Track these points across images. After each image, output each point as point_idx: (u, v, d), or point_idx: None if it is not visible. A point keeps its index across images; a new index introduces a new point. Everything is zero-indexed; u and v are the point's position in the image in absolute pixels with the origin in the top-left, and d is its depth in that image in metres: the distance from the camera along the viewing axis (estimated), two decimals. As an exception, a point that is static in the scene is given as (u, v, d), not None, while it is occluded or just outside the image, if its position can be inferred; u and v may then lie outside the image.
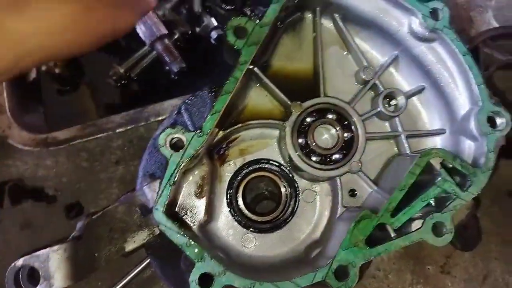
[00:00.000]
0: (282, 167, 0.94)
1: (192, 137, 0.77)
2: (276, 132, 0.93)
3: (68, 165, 1.14)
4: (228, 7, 0.87)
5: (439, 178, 0.78)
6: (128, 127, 1.07)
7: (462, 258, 1.17)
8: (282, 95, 0.89)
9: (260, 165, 0.95)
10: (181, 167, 0.76)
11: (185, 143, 0.78)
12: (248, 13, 0.85)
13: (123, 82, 1.26)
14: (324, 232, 0.90)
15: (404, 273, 1.14)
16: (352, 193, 0.90)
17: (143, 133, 1.16)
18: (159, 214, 0.74)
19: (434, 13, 0.82)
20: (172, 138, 0.78)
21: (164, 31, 1.23)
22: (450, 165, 0.78)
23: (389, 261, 1.14)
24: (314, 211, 0.93)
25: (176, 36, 1.30)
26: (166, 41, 1.25)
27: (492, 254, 1.19)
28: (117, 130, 1.06)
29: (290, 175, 0.94)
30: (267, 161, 0.95)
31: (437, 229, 0.77)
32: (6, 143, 1.06)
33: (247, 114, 0.92)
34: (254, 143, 0.95)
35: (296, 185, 0.94)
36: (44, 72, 1.19)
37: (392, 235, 0.78)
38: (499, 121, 0.82)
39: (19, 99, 1.11)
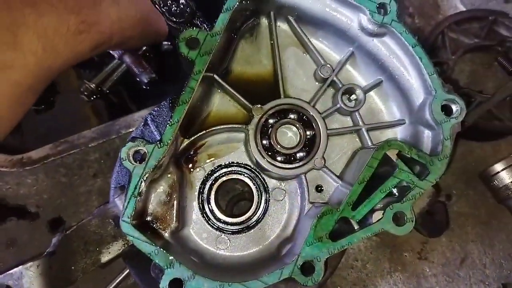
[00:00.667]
0: (250, 168, 0.96)
1: (153, 149, 0.79)
2: (242, 135, 0.95)
3: (48, 181, 1.17)
4: (177, 20, 0.89)
5: (397, 169, 0.80)
6: (100, 141, 1.09)
7: (439, 243, 1.19)
8: (243, 100, 0.91)
9: (229, 169, 0.98)
10: (145, 178, 0.79)
11: (147, 154, 0.80)
12: (199, 23, 0.87)
13: (95, 96, 1.28)
14: (294, 229, 0.93)
15: (382, 261, 1.16)
16: (319, 189, 0.92)
17: (119, 145, 1.19)
18: (125, 225, 0.77)
19: (381, 8, 0.84)
20: (135, 151, 0.80)
21: (132, 43, 1.25)
22: (408, 156, 0.80)
23: (366, 251, 1.17)
24: (284, 209, 0.95)
25: (144, 48, 1.32)
26: (134, 53, 1.26)
27: (469, 236, 1.22)
28: (90, 145, 1.08)
29: (259, 176, 0.96)
30: (236, 163, 0.97)
31: (398, 219, 0.79)
32: (-16, 166, 1.09)
33: (212, 120, 0.95)
34: (221, 148, 0.97)
35: (265, 185, 0.96)
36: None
37: (356, 228, 0.81)
38: (454, 108, 0.84)
39: None
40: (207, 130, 0.92)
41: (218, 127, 0.92)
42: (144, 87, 1.28)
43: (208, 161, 0.97)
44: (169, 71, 1.33)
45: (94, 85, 1.27)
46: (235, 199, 1.04)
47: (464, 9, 1.47)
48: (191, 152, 0.96)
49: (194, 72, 0.81)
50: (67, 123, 1.27)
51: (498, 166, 1.19)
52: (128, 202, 0.77)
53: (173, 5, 0.85)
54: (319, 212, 0.81)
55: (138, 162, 0.80)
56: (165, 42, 1.34)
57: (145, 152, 0.80)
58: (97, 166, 1.20)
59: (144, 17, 0.81)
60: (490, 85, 1.32)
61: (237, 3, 0.83)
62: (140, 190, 0.78)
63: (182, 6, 0.86)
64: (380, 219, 0.79)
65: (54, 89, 1.28)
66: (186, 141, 0.91)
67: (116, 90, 1.31)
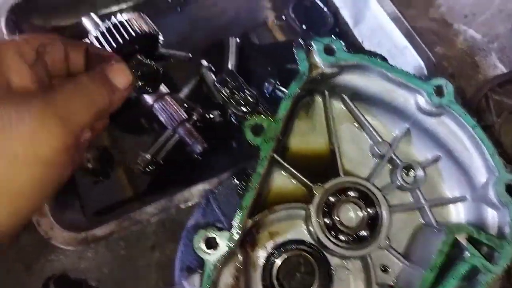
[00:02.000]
0: (312, 246, 0.96)
1: (226, 235, 0.81)
2: (302, 212, 0.96)
3: (108, 255, 1.19)
4: (243, 109, 0.93)
5: (467, 253, 0.79)
6: (161, 216, 1.11)
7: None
8: (303, 178, 0.93)
9: (291, 246, 0.97)
10: (218, 265, 0.80)
11: (218, 242, 0.81)
12: (262, 110, 0.90)
13: (150, 167, 1.32)
14: (361, 310, 0.91)
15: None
16: (385, 269, 0.91)
17: (174, 215, 1.21)
18: (201, 317, 0.77)
19: (438, 90, 0.86)
20: (207, 239, 0.81)
21: (184, 116, 1.30)
22: (476, 238, 0.79)
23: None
24: None
25: (195, 118, 1.37)
26: (187, 124, 1.31)
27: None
28: (151, 220, 1.11)
29: (321, 254, 0.96)
30: (298, 241, 0.97)
31: None
32: (50, 244, 1.12)
33: (272, 198, 0.96)
34: (282, 225, 0.97)
35: (328, 263, 0.95)
36: (78, 168, 1.25)
37: None
38: (520, 189, 0.83)
39: (57, 198, 1.18)
40: (269, 210, 0.93)
41: (280, 206, 0.93)
42: (196, 156, 1.32)
43: (269, 239, 0.97)
44: (220, 142, 1.37)
45: (149, 156, 1.31)
46: (296, 275, 1.03)
47: (503, 67, 1.49)
48: (253, 231, 0.97)
49: (261, 158, 0.83)
50: (124, 194, 1.31)
51: None
52: None
53: (239, 96, 0.89)
54: None
55: (210, 249, 0.81)
56: (216, 112, 1.39)
57: (216, 238, 0.81)
58: (154, 238, 1.22)
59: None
60: (540, 146, 1.32)
61: (298, 90, 0.86)
62: (213, 279, 0.79)
63: (247, 96, 0.89)
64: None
65: (112, 161, 1.33)
66: (250, 222, 0.92)
67: (169, 160, 1.35)
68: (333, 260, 0.95)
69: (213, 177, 1.21)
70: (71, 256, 1.19)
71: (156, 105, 1.28)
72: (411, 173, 0.94)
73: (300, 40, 0.89)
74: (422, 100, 0.87)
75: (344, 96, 0.97)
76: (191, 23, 1.65)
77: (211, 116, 1.40)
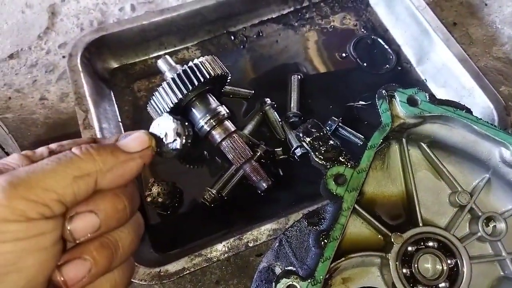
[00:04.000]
0: None
1: (307, 286, 0.81)
2: (377, 260, 0.95)
3: (175, 288, 1.22)
4: (326, 158, 0.94)
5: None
6: (230, 254, 1.13)
7: None
8: (380, 226, 0.93)
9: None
10: None
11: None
12: (345, 161, 0.91)
13: (216, 203, 1.35)
14: None
15: None
16: None
17: (240, 251, 1.22)
18: None
19: (526, 144, 0.84)
20: (288, 286, 0.82)
21: (250, 153, 1.33)
22: None
23: None
24: None
25: (259, 154, 1.39)
26: (253, 162, 1.34)
27: None
28: (221, 258, 1.13)
29: None
30: None
31: None
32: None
33: (347, 244, 0.97)
34: (356, 272, 0.98)
35: None
36: (149, 202, 1.30)
37: None
38: None
39: None
40: (345, 258, 0.93)
41: (356, 254, 0.93)
42: (261, 193, 1.35)
43: (342, 285, 0.97)
44: (283, 179, 1.38)
45: (215, 191, 1.34)
46: None
47: None
48: (326, 276, 0.96)
49: (344, 209, 0.84)
50: (190, 228, 1.34)
51: None
52: None
53: (322, 146, 0.90)
54: None
55: (292, 298, 0.81)
56: (279, 149, 1.41)
57: (295, 287, 0.82)
58: (219, 272, 1.24)
59: None
60: None
61: (381, 140, 0.87)
62: None
63: (330, 146, 0.91)
64: None
65: (181, 194, 1.37)
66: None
67: (233, 195, 1.38)
68: None
69: (278, 215, 1.23)
70: None
71: (224, 143, 1.32)
72: (491, 223, 0.92)
73: (383, 91, 0.90)
74: (508, 154, 0.86)
75: (422, 144, 0.97)
76: (253, 60, 1.68)
77: (275, 152, 1.43)
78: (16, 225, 0.53)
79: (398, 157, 1.00)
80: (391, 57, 1.65)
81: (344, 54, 1.68)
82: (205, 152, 1.50)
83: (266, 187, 1.32)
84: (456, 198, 0.93)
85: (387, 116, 0.89)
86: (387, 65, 1.63)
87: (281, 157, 1.41)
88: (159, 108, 1.29)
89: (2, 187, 0.53)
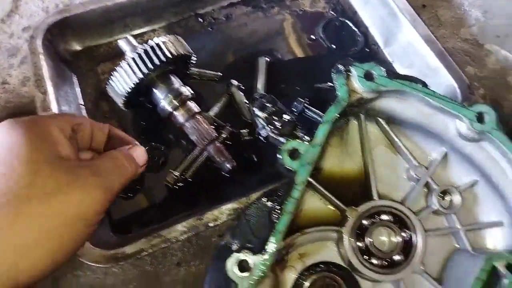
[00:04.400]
0: (343, 269, 0.95)
1: (259, 259, 0.81)
2: (334, 234, 0.95)
3: (134, 271, 1.20)
4: (281, 134, 0.93)
5: (505, 281, 0.76)
6: (189, 234, 1.12)
7: None
8: (336, 201, 0.92)
9: (321, 268, 0.97)
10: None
11: (251, 265, 0.81)
12: (300, 135, 0.90)
13: (179, 184, 1.33)
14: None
15: None
16: None
17: (201, 231, 1.20)
18: None
19: (480, 117, 0.84)
20: (240, 262, 0.81)
21: (214, 134, 1.31)
22: (515, 265, 0.77)
23: None
24: None
25: (224, 136, 1.37)
26: (217, 143, 1.32)
27: None
28: (180, 238, 1.11)
29: (353, 277, 0.94)
30: (328, 263, 0.96)
31: None
32: (78, 260, 1.13)
33: (304, 220, 0.96)
34: (312, 247, 0.98)
35: (359, 287, 0.94)
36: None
37: None
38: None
39: None
40: (301, 232, 0.92)
41: (312, 229, 0.92)
42: (225, 174, 1.33)
43: (298, 260, 0.97)
44: (248, 160, 1.37)
45: (178, 173, 1.31)
46: None
47: (538, 88, 1.45)
48: (283, 252, 0.96)
49: (297, 183, 0.83)
50: (152, 211, 1.32)
51: None
52: None
53: (277, 121, 0.89)
54: None
55: (243, 272, 0.80)
56: (244, 131, 1.40)
57: (249, 262, 0.81)
58: (180, 254, 1.22)
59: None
60: None
61: (337, 115, 0.86)
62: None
63: (286, 121, 0.90)
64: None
65: (141, 179, 1.34)
66: (282, 243, 0.91)
67: (197, 177, 1.35)
68: (364, 284, 0.94)
69: (242, 196, 1.21)
70: (98, 272, 1.20)
71: (187, 124, 1.29)
72: (447, 197, 0.92)
73: (339, 66, 0.89)
74: (463, 126, 0.86)
75: (379, 119, 0.97)
76: (221, 42, 1.65)
77: (240, 134, 1.41)
78: None
79: (356, 133, 0.99)
80: (359, 39, 1.64)
81: (313, 37, 1.66)
82: (171, 136, 1.47)
83: (230, 168, 1.30)
84: (412, 173, 0.92)
85: (343, 91, 0.89)
86: (355, 47, 1.63)
87: (246, 138, 1.39)
88: (119, 89, 1.26)
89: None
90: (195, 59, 1.41)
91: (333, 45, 1.63)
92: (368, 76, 0.88)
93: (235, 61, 1.62)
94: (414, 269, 0.87)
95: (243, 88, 1.49)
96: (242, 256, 0.82)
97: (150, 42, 1.23)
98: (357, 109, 0.96)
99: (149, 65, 1.19)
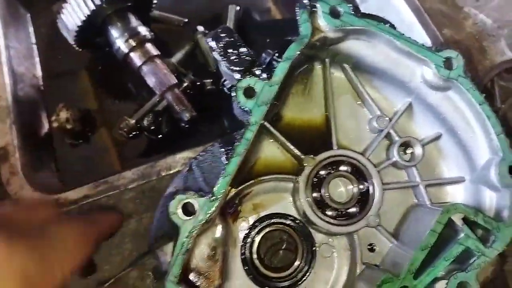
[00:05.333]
0: (297, 221, 0.91)
1: (205, 202, 0.75)
2: (290, 185, 0.91)
3: (81, 221, 1.13)
4: (236, 69, 0.86)
5: (462, 235, 0.74)
6: (140, 183, 1.06)
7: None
8: (294, 149, 0.87)
9: (275, 220, 0.94)
10: (194, 234, 0.74)
11: (196, 208, 0.75)
12: (258, 72, 0.84)
13: (134, 133, 1.26)
14: (344, 290, 0.86)
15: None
16: (372, 248, 0.88)
17: (154, 184, 1.15)
18: (171, 286, 0.72)
19: (447, 63, 0.80)
20: (184, 204, 0.76)
21: (174, 80, 1.24)
22: (472, 219, 0.74)
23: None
24: (332, 267, 0.91)
25: (185, 84, 1.30)
26: (176, 90, 1.25)
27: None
28: (129, 186, 1.05)
29: (306, 229, 0.91)
30: (282, 215, 0.92)
31: None
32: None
33: (260, 168, 0.91)
34: (267, 197, 0.93)
35: (312, 239, 0.91)
36: (56, 128, 1.19)
37: None
38: (522, 171, 0.78)
39: (31, 157, 1.12)
40: (255, 180, 0.87)
41: (267, 177, 0.87)
42: (184, 125, 1.26)
43: (252, 211, 0.93)
44: (210, 111, 1.30)
45: (133, 121, 1.25)
46: (276, 249, 0.98)
47: (511, 54, 1.42)
48: (236, 201, 0.92)
49: (251, 123, 0.77)
50: (104, 160, 1.25)
51: None
52: (175, 260, 0.73)
53: (233, 55, 0.82)
54: (375, 275, 0.75)
55: (187, 216, 0.75)
56: (208, 81, 1.33)
57: (194, 205, 0.76)
58: (132, 206, 1.16)
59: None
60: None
61: (298, 53, 0.80)
62: (188, 247, 0.73)
63: (242, 55, 0.83)
64: (445, 290, 0.73)
65: (94, 123, 1.26)
66: (233, 191, 0.87)
67: (155, 127, 1.29)
68: (318, 237, 0.92)
69: (199, 146, 1.15)
70: None
71: (144, 67, 1.22)
72: (409, 150, 0.89)
73: (305, 1, 0.82)
74: (429, 72, 0.82)
75: (345, 65, 0.92)
76: None
77: (204, 84, 1.33)
78: None
79: (320, 80, 0.94)
80: (336, -6, 1.57)
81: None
82: (130, 85, 1.39)
83: (189, 117, 1.24)
84: (375, 123, 0.88)
85: (306, 27, 0.82)
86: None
87: (209, 87, 1.32)
88: (70, 24, 1.16)
89: None
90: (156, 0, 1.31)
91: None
92: (334, 13, 0.82)
93: (204, 8, 1.54)
94: (369, 222, 0.85)
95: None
96: (187, 198, 0.77)
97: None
98: (322, 53, 0.90)
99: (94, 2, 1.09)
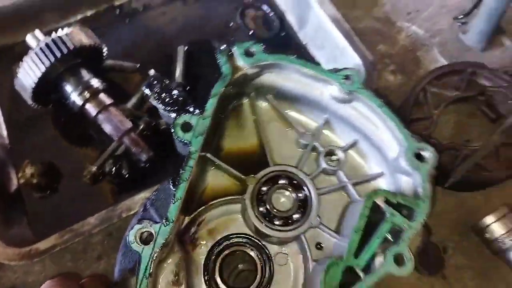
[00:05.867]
0: (251, 237, 1.09)
1: (160, 228, 0.94)
2: (239, 206, 1.11)
3: (55, 267, 1.30)
4: (172, 109, 1.11)
5: (388, 215, 0.95)
6: (103, 226, 1.24)
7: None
8: (236, 172, 1.08)
9: (230, 241, 1.10)
10: (154, 258, 0.92)
11: (153, 234, 0.94)
12: (191, 109, 1.07)
13: (98, 179, 1.46)
14: (304, 291, 1.02)
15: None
16: (319, 246, 1.07)
17: (121, 224, 1.34)
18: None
19: (347, 79, 1.04)
20: (142, 233, 0.94)
21: (129, 125, 1.44)
22: (394, 201, 0.96)
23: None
24: (289, 273, 1.08)
25: (141, 127, 1.52)
26: (132, 134, 1.46)
27: (468, 288, 1.32)
28: (93, 231, 1.24)
29: (260, 243, 1.09)
30: (236, 235, 1.10)
31: (398, 261, 0.93)
32: (-5, 262, 1.22)
33: (209, 195, 1.10)
34: (220, 221, 1.11)
35: (267, 252, 1.09)
36: (23, 184, 1.40)
37: (362, 276, 0.94)
38: (426, 154, 1.02)
39: (3, 215, 1.29)
40: (205, 206, 1.08)
41: (216, 201, 1.07)
42: (143, 165, 1.48)
43: (209, 236, 1.11)
44: (167, 150, 1.52)
45: (95, 168, 1.44)
46: (238, 270, 1.15)
47: (444, 61, 1.69)
48: (192, 230, 1.10)
49: (191, 152, 1.00)
50: (72, 208, 1.44)
51: (488, 219, 1.35)
52: (140, 284, 0.90)
53: (167, 97, 1.06)
54: (324, 266, 0.94)
55: (146, 243, 0.93)
56: (162, 120, 1.55)
57: (151, 233, 0.95)
58: (100, 248, 1.34)
59: None
60: (476, 133, 1.52)
61: (223, 89, 1.04)
62: (150, 271, 0.91)
63: (175, 97, 1.07)
64: (382, 263, 0.94)
65: (58, 175, 1.46)
66: (187, 219, 1.06)
67: (117, 170, 1.49)
68: (272, 248, 1.09)
69: (155, 185, 1.34)
70: (19, 271, 1.29)
71: (100, 116, 1.42)
72: (334, 157, 1.11)
73: (222, 46, 1.08)
74: (334, 90, 1.05)
75: (268, 96, 1.15)
76: (140, 33, 1.80)
77: (159, 124, 1.55)
78: None
79: (249, 112, 1.16)
80: (275, 23, 1.84)
81: (232, 23, 1.85)
82: (91, 131, 1.60)
83: (146, 158, 1.44)
84: (301, 140, 1.11)
85: (226, 67, 1.05)
86: (272, 31, 1.82)
87: (163, 127, 1.54)
88: (25, 84, 1.39)
89: None
90: (106, 51, 1.56)
91: (251, 30, 1.83)
92: (248, 53, 1.06)
93: (155, 51, 1.75)
94: (311, 223, 1.04)
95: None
96: (143, 227, 0.94)
97: (53, 35, 1.36)
98: (247, 89, 1.12)
99: (51, 58, 1.29)
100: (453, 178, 1.38)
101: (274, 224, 1.06)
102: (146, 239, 0.95)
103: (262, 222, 1.05)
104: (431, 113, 1.49)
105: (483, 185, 1.46)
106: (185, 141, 1.00)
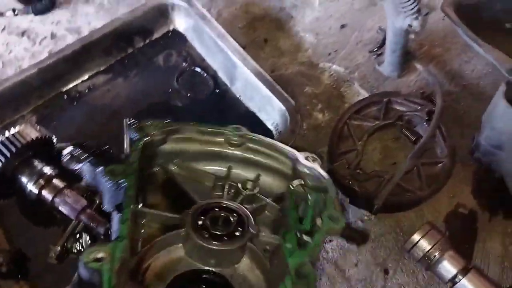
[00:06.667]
0: (206, 270, 1.39)
1: (115, 244, 1.23)
2: (180, 241, 1.47)
3: None
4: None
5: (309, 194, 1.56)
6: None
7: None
8: (169, 214, 1.56)
9: (183, 282, 1.37)
10: (115, 267, 1.15)
11: (109, 251, 1.20)
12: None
13: (63, 257, 1.87)
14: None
15: None
16: (265, 250, 1.50)
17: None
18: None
19: (237, 128, 1.69)
20: (96, 255, 1.20)
21: (84, 203, 1.93)
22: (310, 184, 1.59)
23: None
24: (252, 284, 1.40)
25: (97, 202, 1.94)
26: (88, 210, 1.93)
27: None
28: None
29: (216, 274, 1.39)
30: (190, 273, 1.38)
31: (332, 218, 1.44)
32: None
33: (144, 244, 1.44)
34: (167, 264, 1.40)
35: (226, 279, 1.37)
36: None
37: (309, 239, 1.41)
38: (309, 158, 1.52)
39: None
40: (149, 245, 1.46)
41: (158, 239, 1.44)
42: (102, 237, 1.88)
43: (158, 282, 1.35)
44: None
45: (59, 247, 1.89)
46: None
47: (365, 93, 2.16)
48: (140, 277, 1.37)
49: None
50: None
51: (415, 237, 1.66)
52: None
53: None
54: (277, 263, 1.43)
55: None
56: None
57: (105, 251, 1.20)
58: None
59: None
60: (402, 155, 1.95)
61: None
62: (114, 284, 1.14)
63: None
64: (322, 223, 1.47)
65: (25, 258, 1.87)
66: (134, 259, 1.34)
67: (79, 247, 1.92)
68: (227, 272, 1.39)
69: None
70: None
71: (56, 200, 1.92)
72: (248, 185, 1.68)
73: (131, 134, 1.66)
74: (229, 138, 1.68)
75: (175, 161, 1.72)
76: (89, 112, 2.38)
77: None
78: None
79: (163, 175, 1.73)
80: (209, 82, 2.38)
81: (170, 89, 2.37)
82: (55, 212, 2.01)
83: (103, 230, 1.87)
84: (215, 185, 1.68)
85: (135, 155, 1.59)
86: (207, 90, 2.34)
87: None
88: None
89: None
90: (55, 139, 2.03)
91: (188, 93, 2.31)
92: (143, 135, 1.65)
93: (103, 127, 2.33)
94: (252, 233, 1.46)
95: (112, 152, 2.08)
96: (95, 249, 1.20)
97: (6, 133, 1.86)
98: (157, 159, 1.70)
99: (7, 154, 1.84)
100: (376, 204, 1.74)
101: (223, 241, 1.40)
102: (101, 258, 1.21)
103: (211, 243, 1.39)
104: (356, 145, 1.93)
105: (410, 205, 1.84)
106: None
